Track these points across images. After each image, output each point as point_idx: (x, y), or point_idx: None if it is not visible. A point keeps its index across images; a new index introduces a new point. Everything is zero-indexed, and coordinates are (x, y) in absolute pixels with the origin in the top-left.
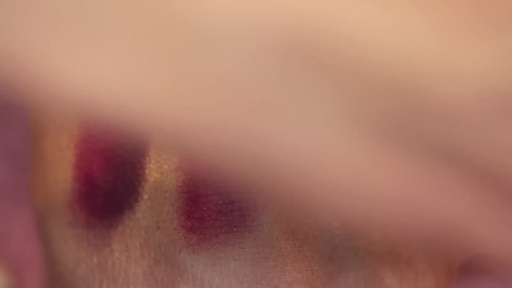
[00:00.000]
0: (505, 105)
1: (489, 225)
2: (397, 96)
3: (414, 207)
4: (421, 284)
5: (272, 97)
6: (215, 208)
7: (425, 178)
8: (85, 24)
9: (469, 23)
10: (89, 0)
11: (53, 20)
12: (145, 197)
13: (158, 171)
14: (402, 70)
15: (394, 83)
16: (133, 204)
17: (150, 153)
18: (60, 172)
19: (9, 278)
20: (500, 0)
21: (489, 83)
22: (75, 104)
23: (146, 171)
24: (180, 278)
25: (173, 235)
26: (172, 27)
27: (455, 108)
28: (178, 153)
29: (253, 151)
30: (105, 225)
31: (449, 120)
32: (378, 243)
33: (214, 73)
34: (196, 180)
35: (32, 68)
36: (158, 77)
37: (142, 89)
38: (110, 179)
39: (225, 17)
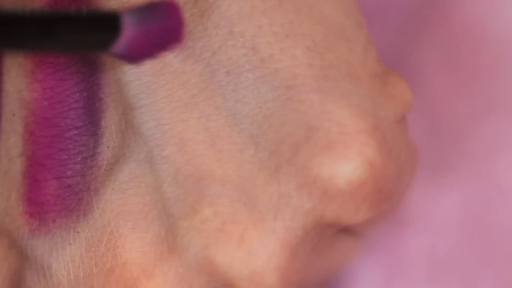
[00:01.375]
0: None
1: None
2: None
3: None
4: (252, 262)
5: None
6: (53, 193)
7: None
8: None
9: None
10: None
11: None
12: None
13: (7, 157)
14: None
15: None
16: None
17: (1, 139)
18: None
19: None
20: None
21: None
22: None
23: None
24: (26, 264)
25: (18, 221)
26: None
27: None
28: (23, 139)
29: None
30: None
31: None
32: (209, 221)
33: None
34: (37, 166)
35: None
36: None
37: None
38: None
39: None
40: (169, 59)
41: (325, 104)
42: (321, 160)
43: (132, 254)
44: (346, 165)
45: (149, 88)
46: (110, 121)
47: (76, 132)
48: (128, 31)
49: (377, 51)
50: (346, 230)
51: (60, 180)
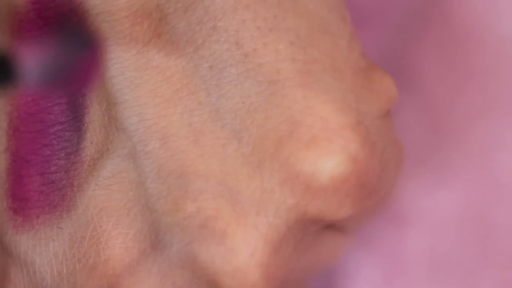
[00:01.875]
0: None
1: None
2: None
3: None
4: (235, 259)
5: None
6: (37, 189)
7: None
8: None
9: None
10: None
11: None
12: None
13: None
14: None
15: None
16: None
17: None
18: None
19: None
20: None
21: None
22: None
23: None
24: (11, 260)
25: (3, 216)
26: None
27: None
28: (6, 134)
29: None
30: None
31: None
32: (192, 217)
33: None
34: (21, 161)
35: None
36: None
37: None
38: None
39: None
40: (152, 55)
41: (308, 99)
42: (304, 155)
43: (115, 250)
44: (329, 161)
45: (133, 83)
46: (94, 116)
47: (59, 128)
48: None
49: (361, 46)
50: (331, 226)
51: (43, 176)
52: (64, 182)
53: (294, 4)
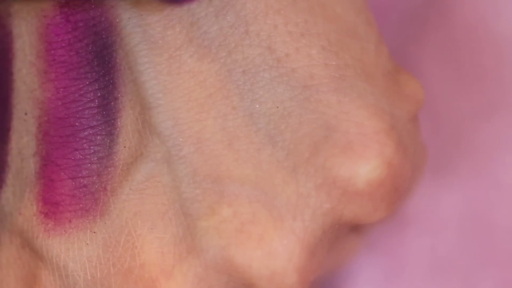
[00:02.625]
0: None
1: None
2: None
3: None
4: (273, 263)
5: None
6: (69, 193)
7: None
8: None
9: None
10: None
11: None
12: (9, 183)
13: (19, 157)
14: None
15: None
16: None
17: (12, 139)
18: None
19: None
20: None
21: None
22: None
23: (9, 157)
24: (41, 263)
25: (32, 220)
26: None
27: None
28: (36, 138)
29: None
30: None
31: None
32: (228, 221)
33: None
34: (51, 166)
35: None
36: None
37: None
38: None
39: None
40: (185, 59)
41: (342, 104)
42: (340, 160)
43: (151, 254)
44: (366, 165)
45: (166, 87)
46: (127, 120)
47: (91, 132)
48: None
49: (388, 49)
50: (355, 229)
51: (75, 180)
52: (96, 186)
53: (323, 9)
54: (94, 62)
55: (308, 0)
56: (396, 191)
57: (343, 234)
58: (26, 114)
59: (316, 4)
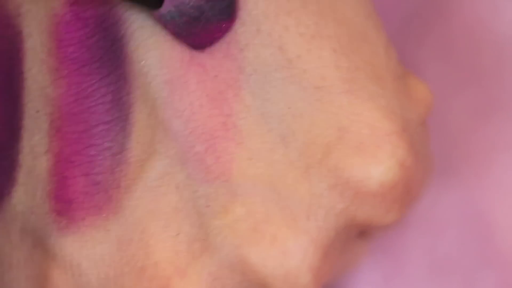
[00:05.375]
0: None
1: None
2: None
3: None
4: (287, 262)
5: None
6: (82, 190)
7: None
8: None
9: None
10: None
11: None
12: (20, 182)
13: (31, 155)
14: None
15: None
16: (10, 190)
17: (23, 137)
18: None
19: None
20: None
21: None
22: None
23: (20, 156)
24: (54, 262)
25: (45, 219)
26: None
27: None
28: (48, 136)
29: None
30: None
31: None
32: (242, 220)
33: None
34: (64, 162)
35: None
36: None
37: None
38: None
39: None
40: (197, 53)
41: (354, 105)
42: (353, 161)
43: (165, 253)
44: (379, 167)
45: (178, 81)
46: (140, 115)
47: (104, 128)
48: None
49: (397, 53)
50: (363, 233)
51: (88, 177)
52: (110, 183)
53: (334, 11)
54: (105, 57)
55: (319, 3)
56: (408, 193)
57: (352, 238)
58: (37, 111)
59: (327, 7)
